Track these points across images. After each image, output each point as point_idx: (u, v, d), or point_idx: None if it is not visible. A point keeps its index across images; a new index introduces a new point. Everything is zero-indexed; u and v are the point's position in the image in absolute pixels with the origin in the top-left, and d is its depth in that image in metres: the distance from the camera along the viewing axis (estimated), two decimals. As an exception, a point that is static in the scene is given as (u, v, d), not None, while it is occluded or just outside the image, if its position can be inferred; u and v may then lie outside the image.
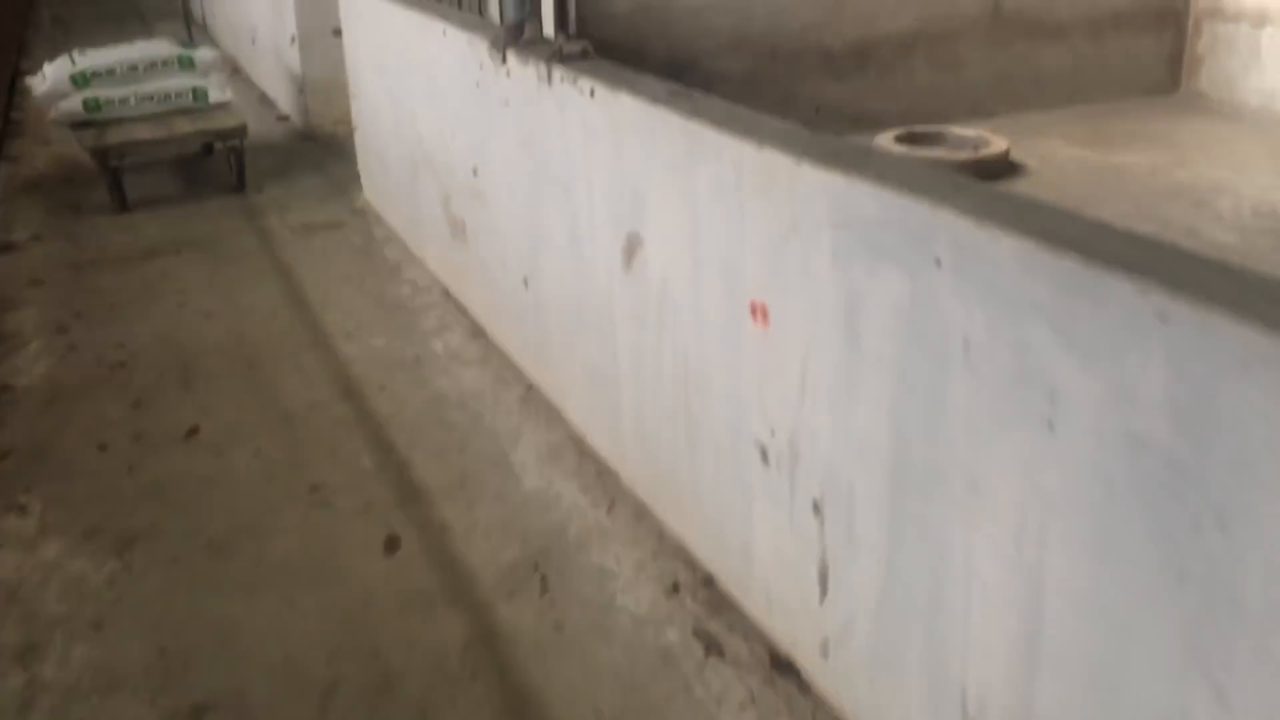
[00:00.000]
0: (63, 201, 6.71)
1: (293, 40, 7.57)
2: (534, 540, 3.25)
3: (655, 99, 2.84)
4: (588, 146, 3.24)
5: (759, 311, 2.47)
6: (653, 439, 3.19)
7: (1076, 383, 1.67)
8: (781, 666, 2.65)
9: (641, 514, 3.30)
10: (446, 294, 5.02)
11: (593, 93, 3.13)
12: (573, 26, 3.41)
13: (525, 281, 3.98)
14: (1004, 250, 1.76)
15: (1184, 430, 1.50)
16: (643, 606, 2.92)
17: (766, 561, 2.68)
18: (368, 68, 5.74)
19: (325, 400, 4.13)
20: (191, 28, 7.69)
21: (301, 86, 7.68)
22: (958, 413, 1.92)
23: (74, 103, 6.63)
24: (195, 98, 6.91)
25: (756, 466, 2.61)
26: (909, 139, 6.68)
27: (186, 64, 6.95)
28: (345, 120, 7.21)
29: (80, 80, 6.66)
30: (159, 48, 7.01)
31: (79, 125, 6.67)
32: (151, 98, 6.78)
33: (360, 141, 6.29)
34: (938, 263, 1.90)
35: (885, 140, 6.62)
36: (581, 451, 3.66)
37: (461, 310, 4.84)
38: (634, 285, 3.09)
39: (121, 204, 6.43)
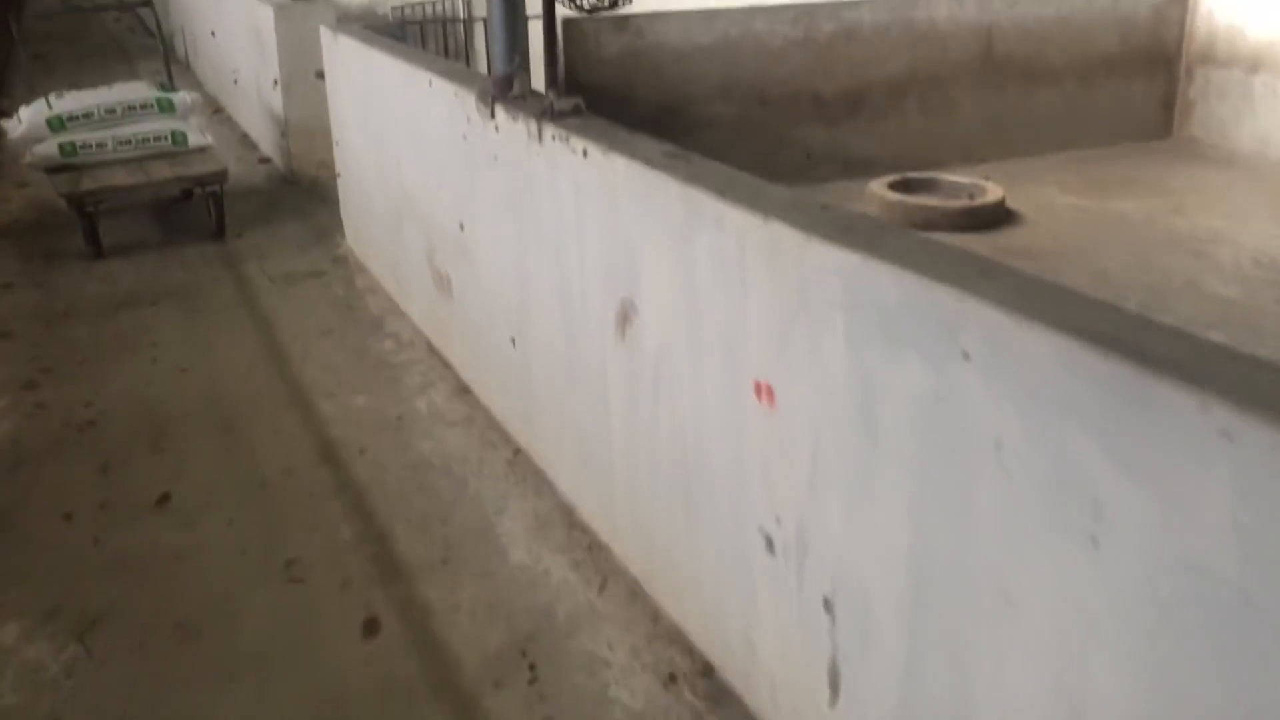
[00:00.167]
0: (36, 248, 6.52)
1: (275, 83, 7.43)
2: (521, 622, 3.07)
3: (651, 162, 2.70)
4: (580, 208, 3.09)
5: (764, 391, 2.31)
6: (647, 514, 3.02)
7: (1125, 497, 1.52)
8: (788, 769, 2.48)
9: (635, 593, 3.13)
10: (430, 349, 4.85)
11: (585, 153, 2.99)
12: (562, 81, 3.27)
13: (513, 341, 3.82)
14: (1042, 347, 1.61)
15: (1253, 560, 1.35)
16: (638, 699, 2.74)
17: (771, 655, 2.51)
18: (351, 114, 5.60)
19: (303, 464, 3.95)
20: (172, 69, 7.52)
21: (284, 130, 7.53)
22: (988, 517, 1.77)
23: (50, 147, 6.46)
24: (174, 142, 6.74)
25: (761, 554, 2.45)
26: (902, 186, 6.57)
27: (166, 107, 6.80)
28: (328, 164, 7.06)
29: (56, 124, 6.49)
30: (137, 90, 6.86)
31: (54, 170, 6.49)
32: (129, 142, 6.62)
33: (343, 188, 6.14)
34: (966, 356, 1.75)
35: (878, 187, 6.51)
36: (571, 523, 3.49)
37: (446, 366, 4.67)
38: (628, 353, 2.94)
39: (97, 251, 6.25)
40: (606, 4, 3.17)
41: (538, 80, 3.68)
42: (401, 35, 5.68)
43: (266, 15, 7.37)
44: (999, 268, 1.87)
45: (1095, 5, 7.61)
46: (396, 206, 5.00)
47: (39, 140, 6.48)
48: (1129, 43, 7.78)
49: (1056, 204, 6.76)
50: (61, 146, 6.46)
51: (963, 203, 6.26)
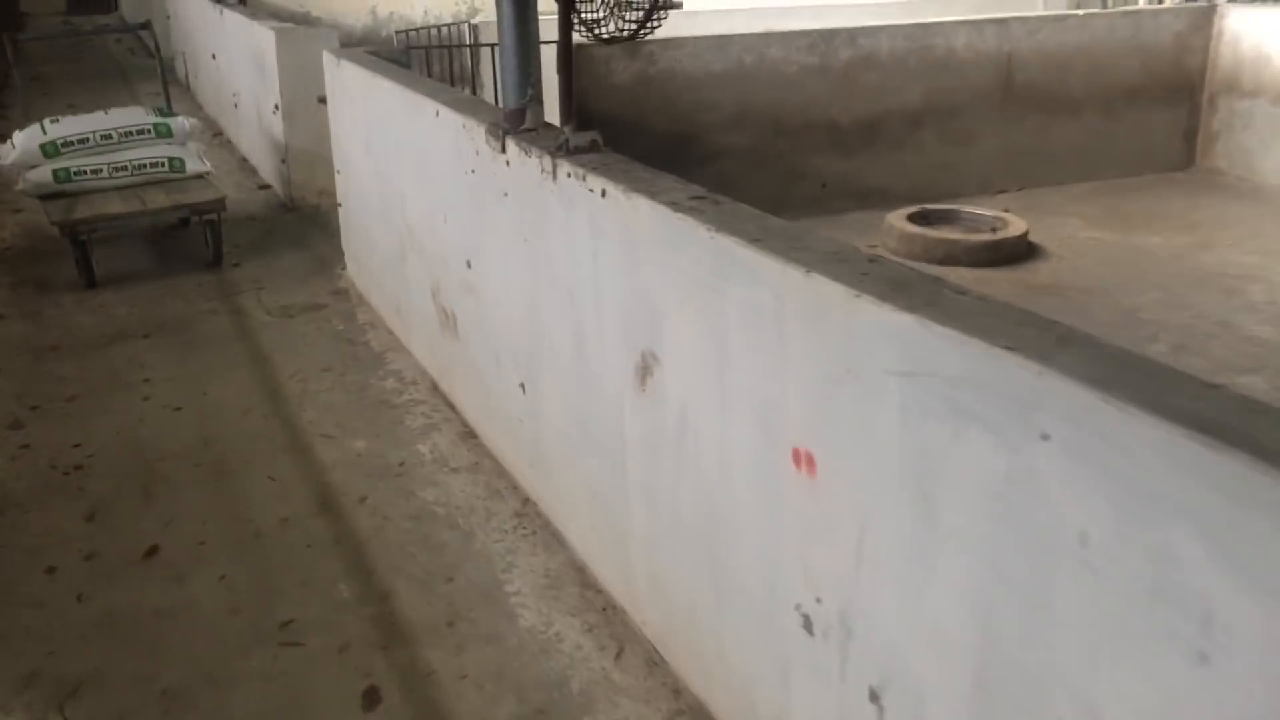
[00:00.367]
0: (28, 277, 6.34)
1: (276, 108, 7.26)
2: (532, 694, 2.86)
3: (676, 205, 2.50)
4: (597, 251, 2.90)
5: (804, 459, 2.11)
6: (668, 579, 2.82)
7: (1242, 611, 1.31)
8: None
9: (654, 663, 2.92)
10: (434, 389, 4.66)
11: (604, 193, 2.79)
12: (574, 114, 3.09)
13: (522, 387, 3.62)
14: (1140, 433, 1.41)
15: None
16: (660, 786, 2.53)
17: (807, 743, 2.30)
18: (354, 142, 5.42)
19: (300, 514, 3.75)
20: (171, 92, 7.35)
21: (284, 156, 7.36)
22: (1068, 620, 1.56)
23: (43, 173, 6.28)
24: (172, 168, 6.57)
25: (797, 634, 2.24)
26: (921, 218, 6.39)
27: (164, 132, 6.62)
28: (329, 191, 6.89)
29: (51, 150, 6.31)
30: (135, 115, 6.68)
31: (48, 197, 6.31)
32: (125, 168, 6.44)
33: (344, 218, 5.95)
34: (1045, 437, 1.55)
35: (896, 219, 6.33)
36: (584, 582, 3.29)
37: (450, 407, 4.47)
38: (648, 408, 2.74)
39: (90, 281, 6.06)
40: (628, 34, 2.98)
41: (550, 111, 3.51)
42: (406, 61, 5.50)
43: (268, 39, 7.21)
44: (1076, 335, 1.67)
45: (1117, 33, 7.45)
46: (400, 239, 4.81)
47: (33, 166, 6.30)
48: (1151, 72, 7.62)
49: (1079, 237, 6.58)
50: (56, 173, 6.29)
51: (985, 236, 6.08)
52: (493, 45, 6.99)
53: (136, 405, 4.63)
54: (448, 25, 9.16)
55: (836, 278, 1.96)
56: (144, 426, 4.44)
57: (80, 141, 6.37)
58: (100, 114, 6.65)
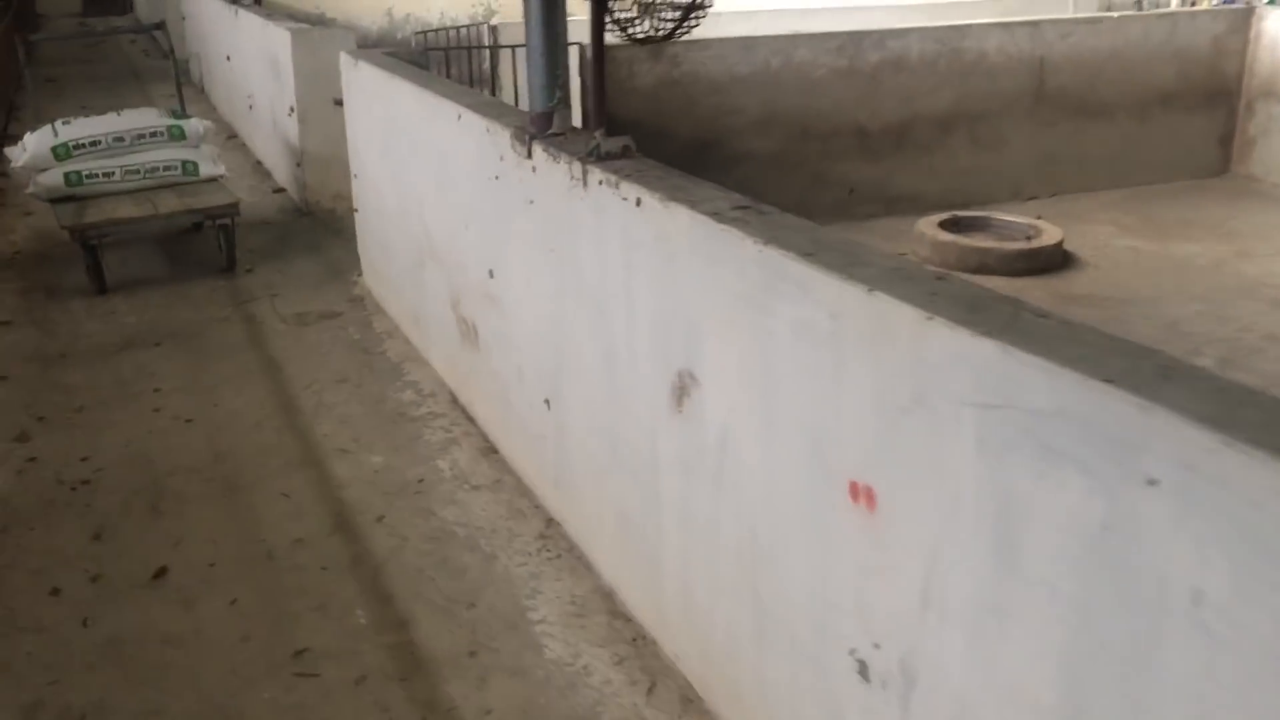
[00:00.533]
0: (38, 282, 6.20)
1: (291, 111, 7.12)
2: (560, 732, 2.69)
3: (719, 215, 2.34)
4: (630, 263, 2.74)
5: (862, 493, 1.95)
6: (705, 611, 2.65)
7: (1399, 691, 1.14)
8: None
9: (689, 700, 2.75)
10: (454, 401, 4.50)
11: (639, 202, 2.63)
12: (605, 118, 2.93)
13: (547, 402, 3.46)
14: (1270, 482, 1.24)
15: None
16: (698, 837, 2.36)
17: (860, 797, 2.13)
18: (371, 146, 5.27)
19: (314, 535, 3.59)
20: (184, 94, 7.22)
21: (299, 159, 7.22)
22: (1174, 689, 1.39)
23: (54, 176, 6.15)
24: (185, 171, 6.43)
25: (851, 680, 2.07)
26: (953, 225, 6.21)
27: (177, 135, 6.48)
28: (344, 196, 6.74)
29: (62, 152, 6.18)
30: (147, 117, 6.54)
31: (59, 200, 6.18)
32: (138, 171, 6.31)
33: (360, 223, 5.80)
34: (1152, 481, 1.38)
35: (928, 226, 6.16)
36: (613, 610, 3.12)
37: (470, 421, 4.31)
38: (685, 430, 2.58)
39: (100, 286, 5.92)
40: (662, 34, 2.82)
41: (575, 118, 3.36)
42: (425, 63, 5.36)
43: (283, 40, 7.07)
44: (1181, 366, 1.50)
45: (1152, 37, 7.26)
46: (418, 246, 4.66)
47: (44, 169, 6.17)
48: (1186, 76, 7.43)
49: (1114, 245, 6.40)
50: (67, 176, 6.16)
51: (1020, 245, 5.90)
52: (513, 47, 6.84)
53: (146, 417, 4.48)
54: (466, 27, 9.01)
55: (904, 297, 1.79)
56: (153, 439, 4.29)
57: (92, 144, 6.24)
58: (113, 116, 6.51)
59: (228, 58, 9.74)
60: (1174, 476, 1.36)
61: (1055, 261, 5.96)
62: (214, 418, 4.46)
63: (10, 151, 6.41)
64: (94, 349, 5.21)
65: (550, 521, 3.58)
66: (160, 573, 3.41)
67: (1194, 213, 6.96)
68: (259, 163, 8.89)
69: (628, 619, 3.07)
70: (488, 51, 7.81)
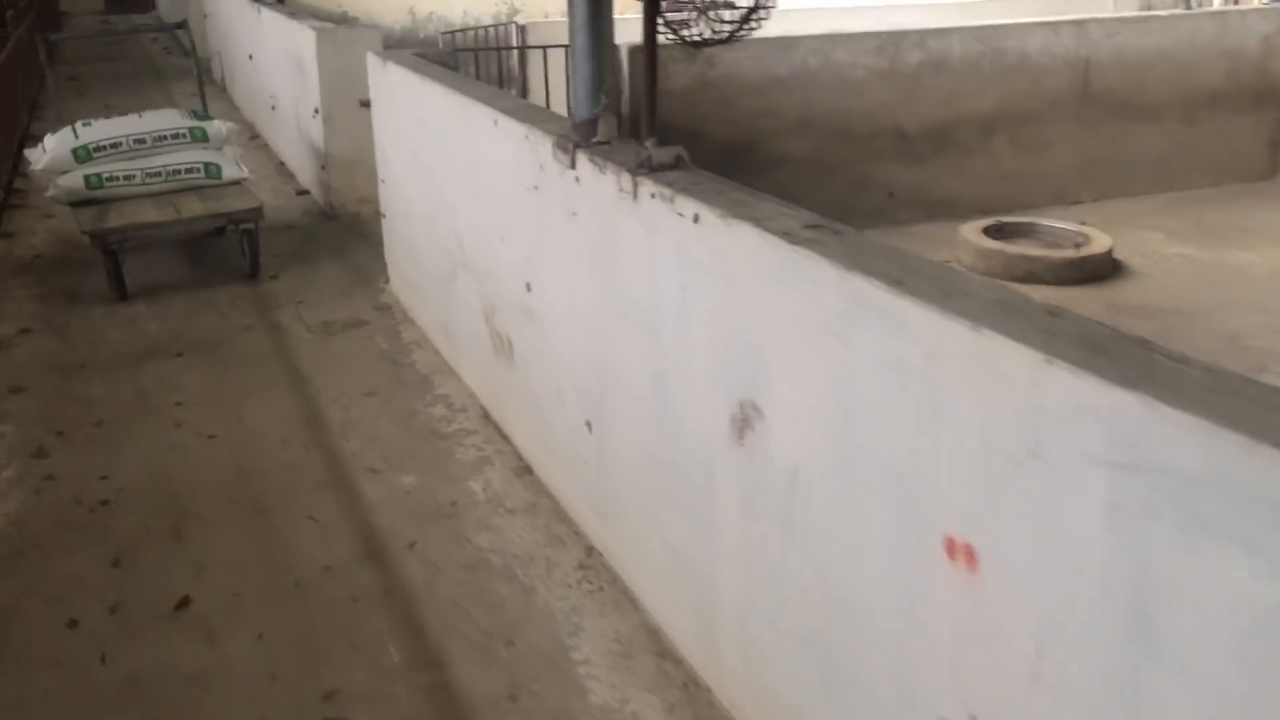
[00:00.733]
0: (58, 287, 6.05)
1: (316, 112, 6.96)
2: (610, 788, 2.51)
3: (790, 235, 2.15)
4: (685, 283, 2.55)
5: (961, 552, 1.75)
6: (766, 661, 2.46)
7: None
8: None
9: (748, 753, 2.56)
10: (485, 416, 4.32)
11: (697, 218, 2.44)
12: (656, 126, 2.75)
13: (588, 425, 3.27)
14: None
15: None
16: None
17: None
18: (400, 150, 5.10)
19: (344, 562, 3.42)
20: (206, 94, 7.07)
21: (324, 162, 7.05)
22: (1363, 803, 1.20)
23: (75, 179, 6.00)
24: (208, 174, 6.27)
25: (940, 752, 1.88)
26: (997, 231, 6.00)
27: (199, 136, 6.33)
28: (370, 199, 6.58)
29: (83, 154, 6.04)
30: (169, 118, 6.39)
31: (79, 203, 6.03)
32: (159, 174, 6.15)
33: (388, 229, 5.63)
34: (1338, 567, 1.18)
35: (971, 232, 5.94)
36: (661, 651, 2.93)
37: (504, 438, 4.14)
38: (747, 465, 2.39)
39: (121, 293, 5.77)
40: (723, 36, 2.63)
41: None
42: (454, 64, 5.18)
43: (308, 40, 6.91)
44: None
45: (1200, 36, 7.03)
46: (449, 255, 4.48)
47: (64, 171, 6.03)
48: (1235, 77, 7.19)
49: (1164, 253, 6.18)
50: (87, 179, 6.01)
51: (1069, 253, 5.68)
52: (544, 48, 6.66)
53: (168, 432, 4.32)
54: (493, 26, 8.83)
55: (1016, 336, 1.60)
56: (175, 456, 4.13)
57: (113, 146, 6.09)
58: (134, 117, 6.36)
59: (250, 56, 9.60)
60: (1367, 563, 1.17)
61: (1105, 270, 5.74)
62: (238, 433, 4.30)
63: (30, 154, 6.27)
64: (114, 359, 5.06)
65: (590, 550, 3.40)
66: (183, 603, 3.24)
67: (1246, 218, 6.72)
68: (282, 164, 8.74)
69: (677, 661, 2.88)
70: (516, 53, 7.62)
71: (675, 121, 5.80)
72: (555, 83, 6.63)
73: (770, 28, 7.53)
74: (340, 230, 6.96)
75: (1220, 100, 7.21)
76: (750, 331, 2.30)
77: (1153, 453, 1.39)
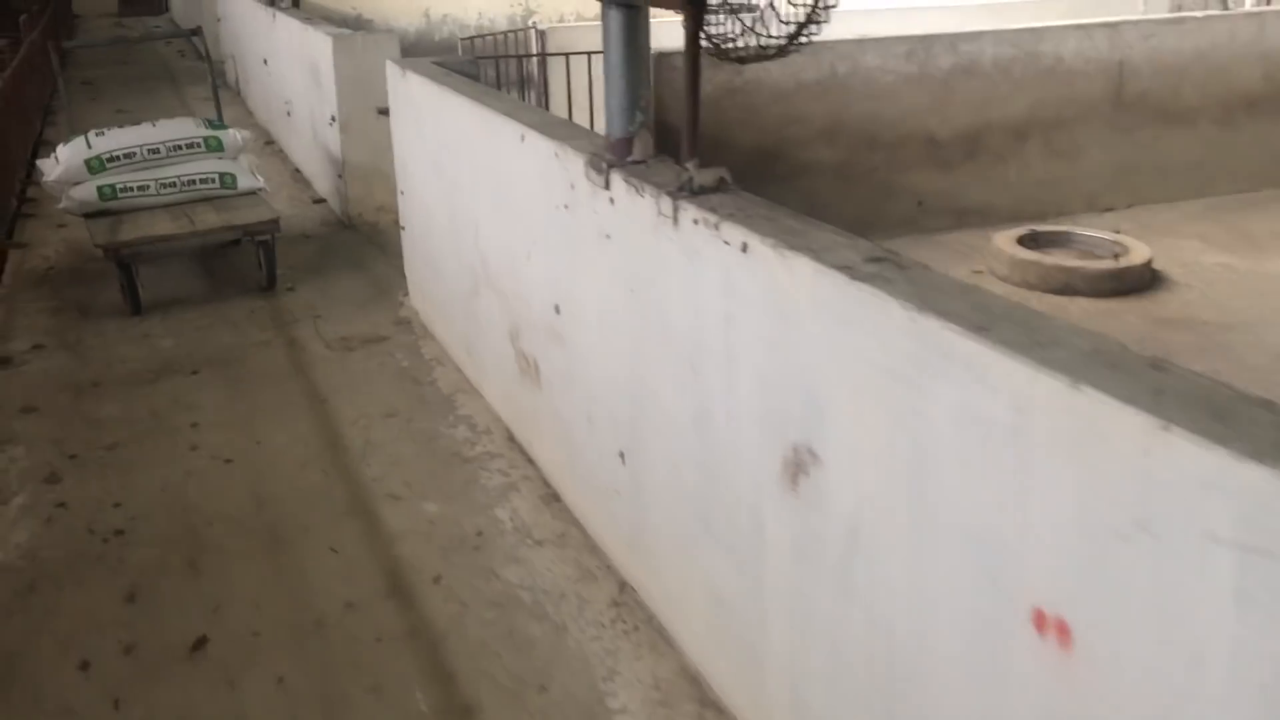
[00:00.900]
0: (71, 300, 5.93)
1: (332, 120, 6.82)
2: None
3: (852, 270, 1.99)
4: (731, 315, 2.40)
5: (1052, 626, 1.60)
6: (820, 717, 2.31)
7: None
8: None
9: (799, 815, 2.41)
10: (510, 438, 4.18)
11: (745, 247, 2.29)
12: (698, 147, 2.60)
13: (621, 456, 3.13)
14: None
15: None
16: None
17: None
18: (419, 162, 4.96)
19: (366, 598, 3.28)
20: (221, 101, 6.94)
21: (340, 171, 6.92)
22: None
23: (88, 190, 5.88)
24: (223, 184, 6.15)
25: (1023, 838, 1.72)
26: (1031, 241, 5.83)
27: (214, 146, 6.20)
28: (388, 208, 6.46)
29: (96, 165, 5.91)
30: (184, 127, 6.26)
31: (92, 215, 5.91)
32: (174, 184, 6.03)
33: (407, 241, 5.49)
34: None
35: (1004, 242, 5.77)
36: (702, 698, 2.78)
37: (530, 462, 3.99)
38: (801, 513, 2.24)
39: (135, 307, 5.65)
40: (772, 51, 2.47)
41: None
42: (476, 73, 5.03)
43: (324, 46, 6.77)
44: None
45: (1238, 37, 6.84)
46: (472, 272, 4.34)
47: (77, 183, 5.90)
48: (1274, 79, 6.99)
49: (1204, 263, 5.99)
50: (100, 190, 5.89)
51: (1108, 264, 5.51)
52: (567, 54, 6.51)
53: (183, 456, 4.19)
54: (512, 32, 8.67)
55: (1122, 396, 1.44)
56: (191, 482, 4.00)
57: (126, 156, 5.97)
58: (148, 126, 6.23)
59: (265, 61, 9.47)
60: None
61: (1144, 281, 5.56)
62: (255, 457, 4.16)
63: (43, 164, 6.15)
64: (128, 376, 4.93)
65: (624, 586, 3.25)
66: (199, 643, 3.10)
67: (1286, 226, 6.54)
68: (298, 170, 8.62)
69: (720, 710, 2.73)
70: (536, 60, 7.47)
71: (701, 129, 5.66)
72: (577, 86, 6.48)
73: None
74: (358, 240, 6.83)
75: (1258, 103, 7.02)
76: (805, 371, 2.15)
77: (1293, 538, 1.23)
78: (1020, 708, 1.69)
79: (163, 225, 5.75)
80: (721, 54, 2.56)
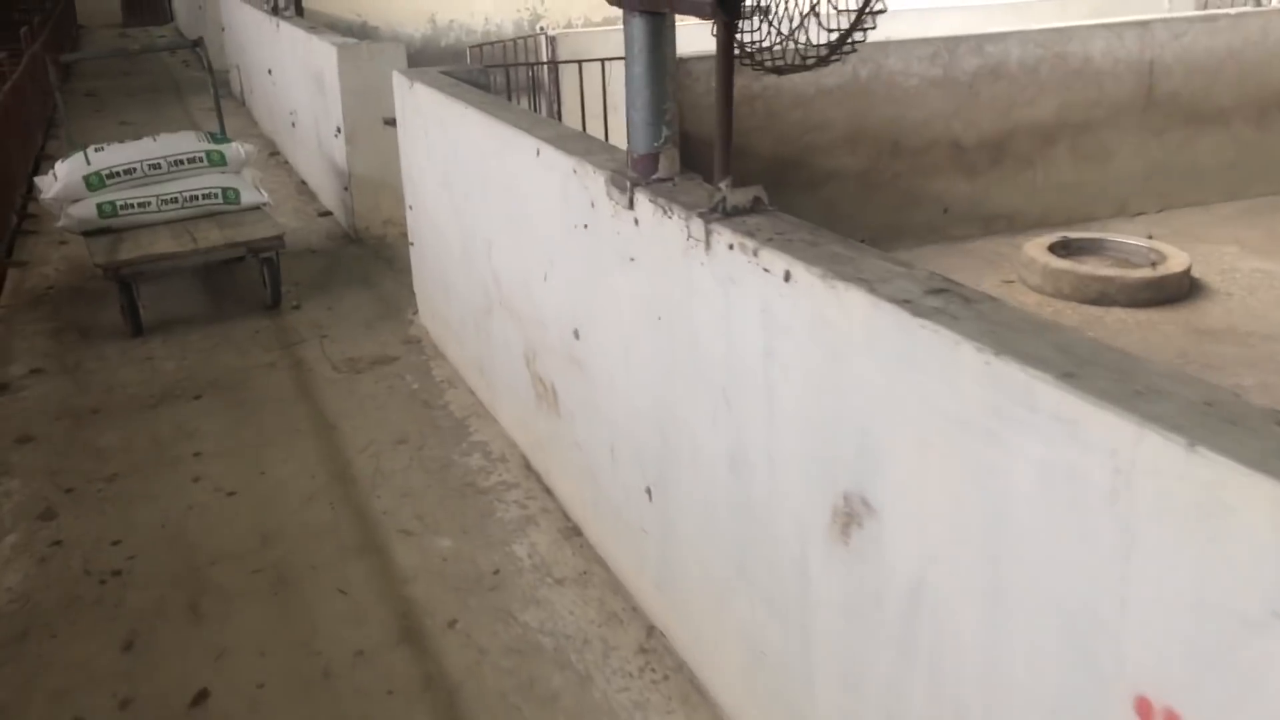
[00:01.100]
0: (71, 321, 5.76)
1: (338, 131, 6.64)
2: None
3: (913, 305, 1.79)
4: (771, 349, 2.20)
5: (1159, 716, 1.39)
6: (874, 790, 2.11)
7: None
8: None
9: None
10: (526, 467, 3.98)
11: (787, 276, 2.09)
12: (731, 165, 2.40)
13: (648, 492, 2.93)
14: None
15: None
16: None
17: None
18: (428, 175, 4.77)
19: (377, 645, 3.08)
20: (224, 113, 6.75)
21: (346, 183, 6.73)
22: None
23: (87, 208, 5.70)
24: (226, 199, 5.97)
25: None
26: (1064, 248, 5.61)
27: (216, 160, 6.02)
28: (396, 221, 6.28)
29: (95, 181, 5.73)
30: (185, 141, 6.08)
31: (92, 233, 5.73)
32: (175, 200, 5.85)
33: (416, 258, 5.30)
34: None
35: (1036, 250, 5.56)
36: (741, 758, 2.58)
37: (548, 493, 3.80)
38: (853, 568, 2.04)
39: (136, 328, 5.47)
40: (813, 61, 2.27)
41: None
42: (486, 83, 4.84)
43: (329, 56, 6.59)
44: None
45: (1271, 35, 6.62)
46: (485, 291, 4.15)
47: (76, 200, 5.73)
48: (1309, 78, 6.77)
49: (1243, 269, 5.78)
50: (100, 207, 5.71)
51: (1145, 273, 5.29)
52: (579, 62, 6.32)
53: (185, 488, 4.00)
54: (521, 38, 8.48)
55: (1249, 461, 1.24)
56: (193, 516, 3.81)
57: (126, 172, 5.79)
58: (149, 140, 6.05)
59: (269, 71, 9.30)
60: None
61: (1183, 290, 5.35)
62: (259, 489, 3.97)
63: (41, 181, 5.97)
64: (129, 402, 4.75)
65: (651, 630, 3.05)
66: (200, 697, 2.91)
67: (1325, 229, 6.32)
68: (303, 182, 8.44)
69: (760, 770, 2.53)
70: (546, 68, 7.27)
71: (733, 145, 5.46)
72: (591, 94, 6.29)
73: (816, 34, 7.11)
74: (365, 255, 6.64)
75: (1292, 103, 6.80)
76: (858, 414, 1.95)
77: None
78: (1121, 808, 1.49)
79: (164, 243, 5.57)
80: (757, 64, 2.35)
